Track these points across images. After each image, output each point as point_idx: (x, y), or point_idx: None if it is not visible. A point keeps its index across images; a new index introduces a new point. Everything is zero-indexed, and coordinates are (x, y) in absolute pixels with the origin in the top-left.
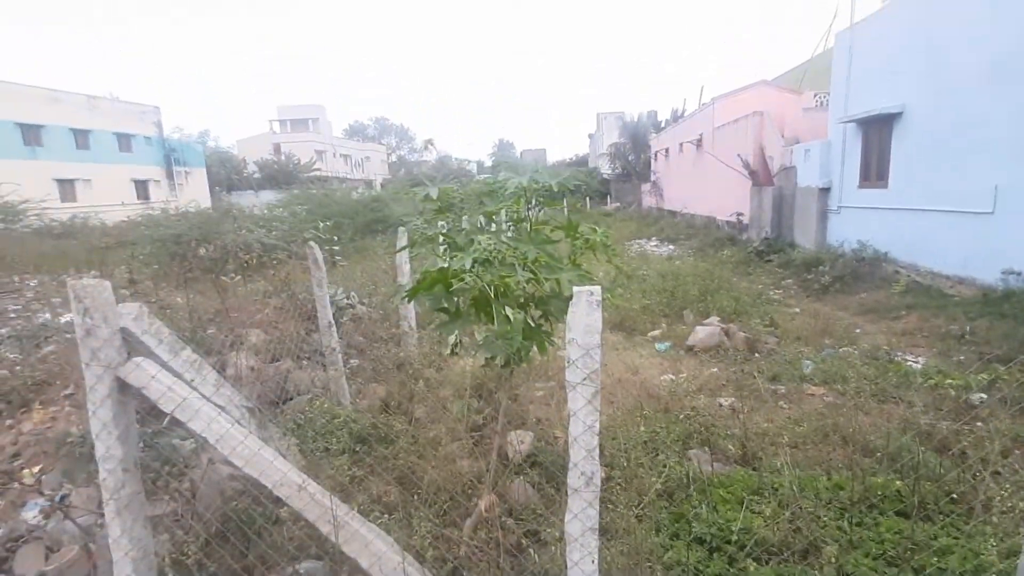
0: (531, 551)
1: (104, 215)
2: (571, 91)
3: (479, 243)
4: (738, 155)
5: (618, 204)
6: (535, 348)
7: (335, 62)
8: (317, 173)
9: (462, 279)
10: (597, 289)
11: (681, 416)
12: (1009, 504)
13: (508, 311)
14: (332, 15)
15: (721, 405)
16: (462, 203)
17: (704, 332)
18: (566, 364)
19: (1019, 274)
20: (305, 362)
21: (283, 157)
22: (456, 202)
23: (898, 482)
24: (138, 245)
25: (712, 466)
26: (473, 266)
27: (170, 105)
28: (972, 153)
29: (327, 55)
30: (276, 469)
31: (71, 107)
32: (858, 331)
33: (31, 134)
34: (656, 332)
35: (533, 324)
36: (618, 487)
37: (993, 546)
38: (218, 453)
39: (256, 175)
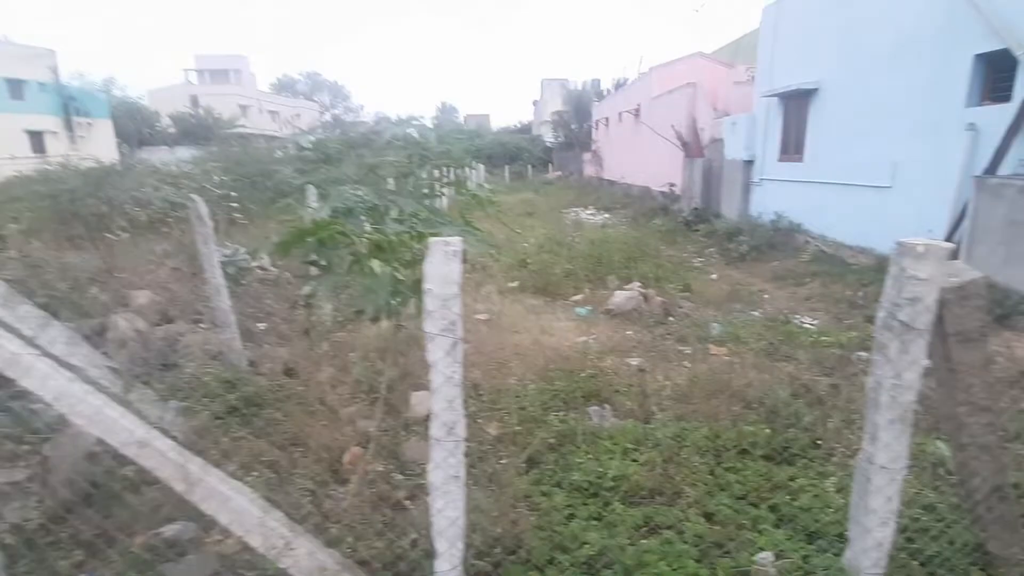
0: (408, 504)
1: None
2: (517, 56)
3: (341, 192)
4: (672, 126)
5: (560, 173)
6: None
7: (262, 10)
8: (241, 129)
9: (330, 232)
10: (456, 240)
11: (583, 375)
12: (856, 447)
13: (376, 265)
14: None
15: (629, 365)
16: (339, 155)
17: (622, 297)
18: (424, 315)
19: None
20: (203, 326)
21: (201, 111)
22: (333, 153)
23: (767, 429)
24: (24, 200)
25: (609, 421)
26: (336, 217)
27: (67, 48)
28: (875, 129)
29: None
30: (122, 427)
31: None
32: (766, 296)
33: None
34: (578, 297)
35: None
36: (510, 442)
37: (833, 484)
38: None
39: (171, 129)
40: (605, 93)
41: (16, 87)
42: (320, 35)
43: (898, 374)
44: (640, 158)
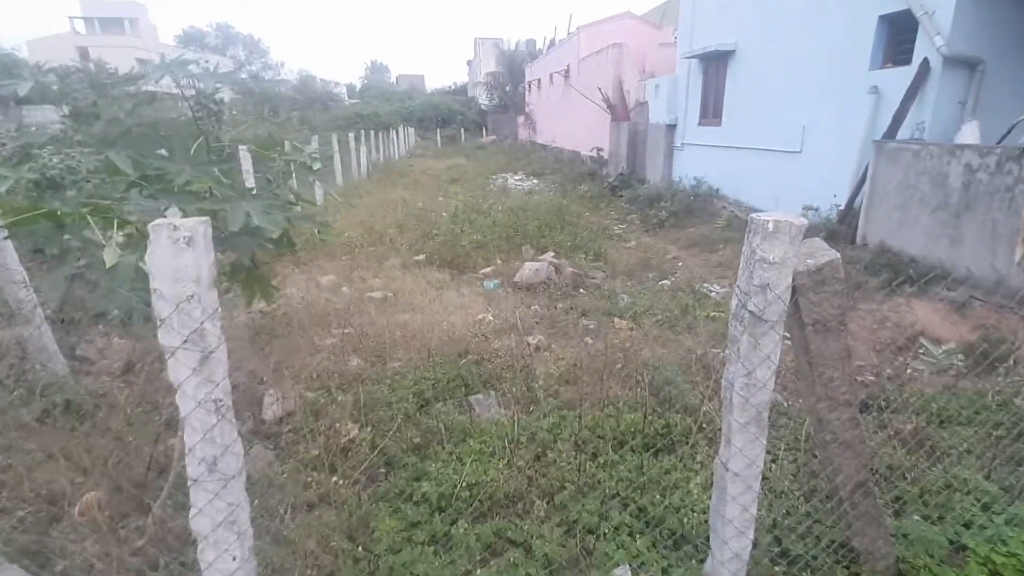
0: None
1: None
2: (452, 14)
3: (43, 156)
4: (599, 88)
5: (495, 136)
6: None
7: None
8: (143, 88)
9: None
10: (192, 222)
11: (470, 359)
12: None
13: (110, 254)
14: None
15: (528, 344)
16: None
17: (531, 268)
18: (157, 323)
19: (817, 209)
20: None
21: (92, 65)
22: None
23: (646, 416)
24: None
25: (491, 411)
26: (37, 190)
27: None
28: (788, 93)
29: None
30: None
31: None
32: (680, 264)
33: None
34: (488, 270)
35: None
36: (368, 446)
37: (702, 480)
38: None
39: (55, 86)
40: (539, 54)
41: None
42: None
43: (750, 372)
44: (570, 122)
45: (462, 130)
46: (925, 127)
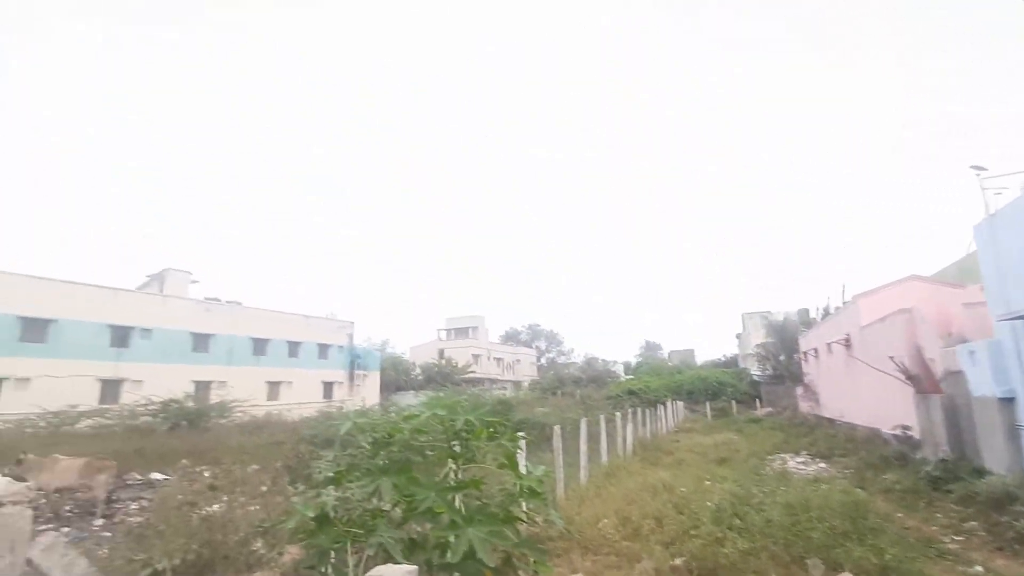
0: None
1: (293, 412)
2: (717, 290)
3: (326, 495)
4: (891, 357)
5: (770, 409)
6: None
7: (498, 276)
8: (471, 375)
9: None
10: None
11: None
12: None
13: None
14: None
15: None
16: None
17: None
18: None
19: None
20: None
21: (444, 361)
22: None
23: None
24: (285, 444)
25: None
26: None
27: (364, 319)
28: None
29: (492, 271)
30: None
31: (292, 324)
32: None
33: (260, 346)
34: None
35: None
36: None
37: None
38: None
39: (419, 377)
40: (812, 322)
41: (323, 350)
42: (542, 292)
43: None
44: (860, 394)
45: (733, 402)
46: None
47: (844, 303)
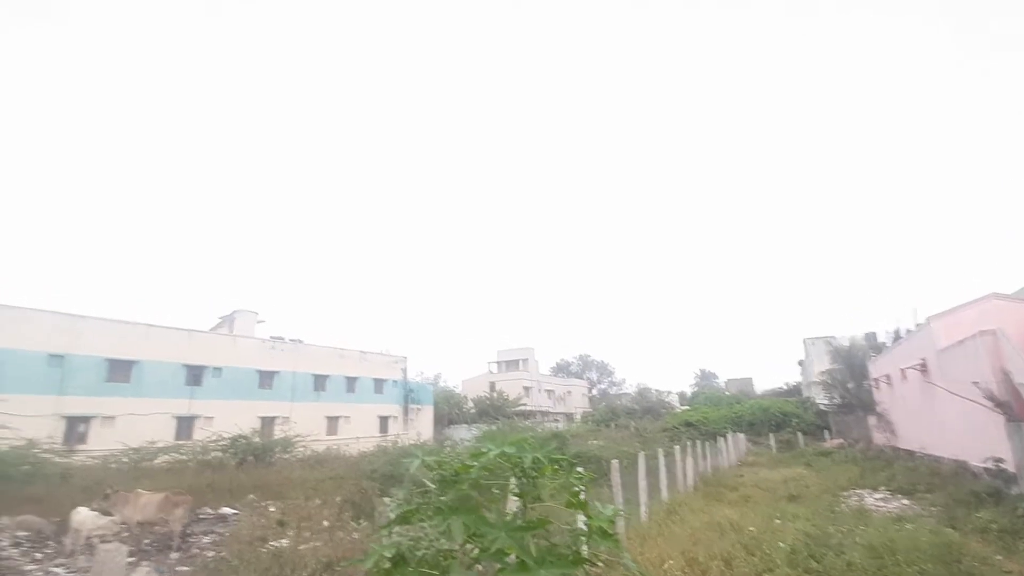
0: None
1: (351, 446)
2: (774, 315)
3: (400, 535)
4: (974, 383)
5: (841, 440)
6: None
7: (548, 307)
8: (523, 407)
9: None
10: None
11: None
12: None
13: None
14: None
15: None
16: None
17: None
18: None
19: None
20: None
21: (495, 394)
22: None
23: None
24: (345, 478)
25: None
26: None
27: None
28: None
29: (542, 302)
30: None
31: (349, 360)
32: None
33: (320, 382)
34: None
35: None
36: None
37: None
38: None
39: (472, 410)
40: (882, 347)
41: (379, 384)
42: (593, 322)
43: None
44: (940, 423)
45: (799, 433)
46: None
47: (917, 325)
